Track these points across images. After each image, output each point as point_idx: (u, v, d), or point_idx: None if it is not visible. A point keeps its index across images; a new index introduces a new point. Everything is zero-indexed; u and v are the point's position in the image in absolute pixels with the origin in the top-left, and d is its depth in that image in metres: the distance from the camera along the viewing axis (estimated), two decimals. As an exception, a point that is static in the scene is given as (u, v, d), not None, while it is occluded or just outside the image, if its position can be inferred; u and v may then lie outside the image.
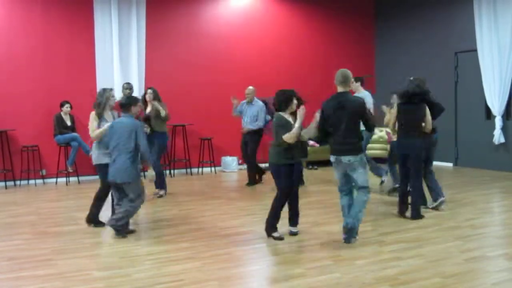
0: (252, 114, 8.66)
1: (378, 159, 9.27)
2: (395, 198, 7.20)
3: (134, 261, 4.81)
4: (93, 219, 6.04)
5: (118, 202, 5.68)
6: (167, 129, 8.24)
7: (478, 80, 10.09)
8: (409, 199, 6.27)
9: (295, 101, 5.34)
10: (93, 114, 5.94)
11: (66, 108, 9.23)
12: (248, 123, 8.69)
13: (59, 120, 9.18)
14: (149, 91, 7.98)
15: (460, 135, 10.77)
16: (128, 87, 8.59)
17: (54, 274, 4.40)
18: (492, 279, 4.18)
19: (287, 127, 5.21)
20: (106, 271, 4.52)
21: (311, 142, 9.77)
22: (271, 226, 5.35)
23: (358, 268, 4.43)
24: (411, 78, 6.32)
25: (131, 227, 5.78)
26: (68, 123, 9.26)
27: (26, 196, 8.30)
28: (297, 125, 5.17)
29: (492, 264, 4.58)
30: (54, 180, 9.41)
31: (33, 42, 9.35)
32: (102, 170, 5.86)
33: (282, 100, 5.33)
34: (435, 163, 7.11)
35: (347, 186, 5.35)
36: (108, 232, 5.79)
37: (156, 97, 7.93)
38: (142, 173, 5.70)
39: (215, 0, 10.92)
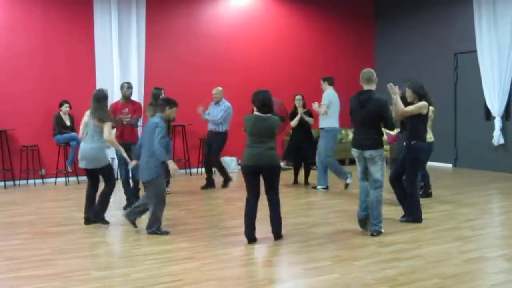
0: (216, 115, 8.43)
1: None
2: (394, 199, 7.22)
3: (134, 261, 4.81)
4: (98, 217, 6.04)
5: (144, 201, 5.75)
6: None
7: (477, 81, 10.10)
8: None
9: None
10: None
11: (65, 108, 9.23)
12: (211, 123, 8.48)
13: (59, 120, 9.17)
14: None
15: (459, 136, 10.78)
16: (130, 86, 8.46)
17: (53, 274, 4.39)
18: (491, 280, 4.19)
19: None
20: (105, 271, 4.52)
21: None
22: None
23: (358, 269, 4.43)
24: (408, 83, 6.33)
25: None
26: (68, 123, 9.25)
27: (25, 196, 8.30)
28: None
29: (491, 265, 4.59)
30: (53, 180, 9.41)
31: (33, 42, 9.35)
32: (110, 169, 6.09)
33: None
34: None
35: (366, 177, 5.60)
36: (107, 232, 5.79)
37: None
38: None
39: (215, 0, 10.92)
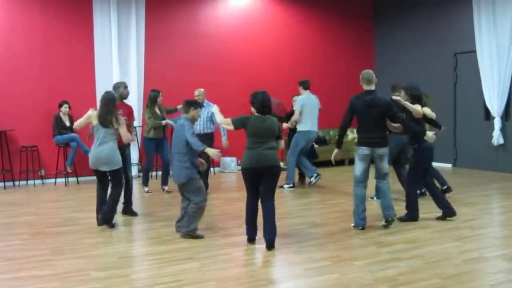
0: (208, 116, 8.09)
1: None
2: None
3: (133, 261, 4.81)
4: (110, 220, 6.00)
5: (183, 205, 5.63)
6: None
7: (477, 81, 10.10)
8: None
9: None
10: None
11: (65, 108, 9.22)
12: (202, 125, 8.14)
13: (58, 120, 9.17)
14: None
15: (459, 136, 10.78)
16: (126, 85, 8.28)
17: (53, 275, 4.40)
18: (490, 280, 4.19)
19: None
20: (105, 271, 4.52)
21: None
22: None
23: (357, 269, 4.44)
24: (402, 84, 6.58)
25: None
26: (67, 123, 9.24)
27: (25, 197, 8.30)
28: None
29: (491, 265, 4.59)
30: (53, 180, 9.41)
31: (32, 42, 9.34)
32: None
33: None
34: (434, 163, 7.12)
35: (366, 178, 5.76)
36: (107, 232, 5.79)
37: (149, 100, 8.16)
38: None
39: (215, 0, 10.92)
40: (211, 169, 9.88)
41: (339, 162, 11.24)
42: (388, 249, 5.01)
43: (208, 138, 8.00)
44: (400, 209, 6.26)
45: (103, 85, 9.13)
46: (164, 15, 10.40)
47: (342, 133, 5.92)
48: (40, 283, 4.22)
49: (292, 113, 8.71)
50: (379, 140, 5.65)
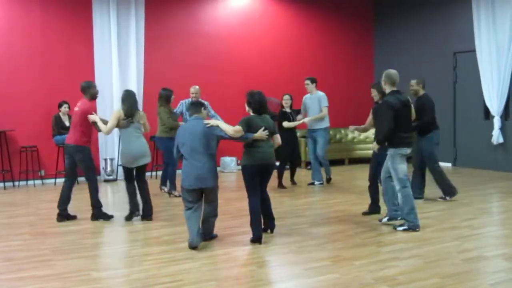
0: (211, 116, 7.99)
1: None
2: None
3: (133, 261, 4.82)
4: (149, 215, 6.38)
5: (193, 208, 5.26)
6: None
7: (476, 80, 10.11)
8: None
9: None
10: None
11: (64, 108, 9.22)
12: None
13: (58, 120, 9.17)
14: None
15: (458, 135, 10.79)
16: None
17: (53, 275, 4.40)
18: (490, 279, 4.19)
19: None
20: (105, 271, 4.53)
21: None
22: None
23: (357, 269, 4.44)
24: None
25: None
26: (67, 123, 9.24)
27: (25, 197, 8.31)
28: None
29: (490, 265, 4.59)
30: (53, 180, 9.41)
31: (32, 42, 9.34)
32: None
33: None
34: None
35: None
36: (107, 233, 5.79)
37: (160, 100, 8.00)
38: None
39: (214, 0, 10.92)
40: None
41: (339, 162, 11.25)
42: (388, 249, 5.01)
43: None
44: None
45: (102, 85, 9.12)
46: (163, 15, 10.40)
47: (391, 134, 5.59)
48: (40, 283, 4.22)
49: (299, 111, 8.78)
50: (412, 139, 5.78)
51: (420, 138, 7.04)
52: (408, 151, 5.65)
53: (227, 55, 10.99)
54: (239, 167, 10.66)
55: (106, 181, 9.66)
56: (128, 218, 6.35)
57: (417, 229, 5.58)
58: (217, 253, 4.95)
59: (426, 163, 7.12)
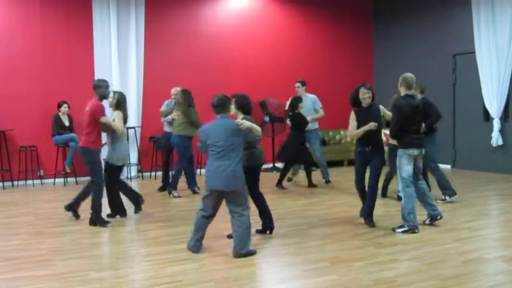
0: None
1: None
2: (393, 200, 7.23)
3: (132, 262, 4.81)
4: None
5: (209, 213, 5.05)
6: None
7: (476, 82, 10.11)
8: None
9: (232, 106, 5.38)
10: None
11: (64, 108, 9.22)
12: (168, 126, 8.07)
13: (57, 120, 9.17)
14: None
15: (458, 137, 10.79)
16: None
17: (52, 275, 4.40)
18: (489, 281, 4.20)
19: None
20: (104, 272, 4.52)
21: None
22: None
23: (356, 270, 4.44)
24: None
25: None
26: (66, 123, 9.25)
27: (24, 197, 8.30)
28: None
29: (490, 267, 4.59)
30: (52, 180, 9.41)
31: (31, 42, 9.34)
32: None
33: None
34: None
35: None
36: (106, 233, 5.79)
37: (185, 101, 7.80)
38: None
39: (214, 0, 10.92)
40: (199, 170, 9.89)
41: (338, 163, 11.26)
42: (387, 250, 5.01)
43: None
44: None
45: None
46: (163, 15, 10.40)
47: (397, 135, 5.75)
48: (40, 283, 4.22)
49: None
50: (422, 141, 5.85)
51: (424, 138, 6.99)
52: (415, 152, 5.71)
53: (227, 55, 10.99)
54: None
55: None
56: (138, 208, 6.51)
57: (416, 231, 5.59)
58: (216, 254, 4.95)
59: (428, 163, 7.08)
